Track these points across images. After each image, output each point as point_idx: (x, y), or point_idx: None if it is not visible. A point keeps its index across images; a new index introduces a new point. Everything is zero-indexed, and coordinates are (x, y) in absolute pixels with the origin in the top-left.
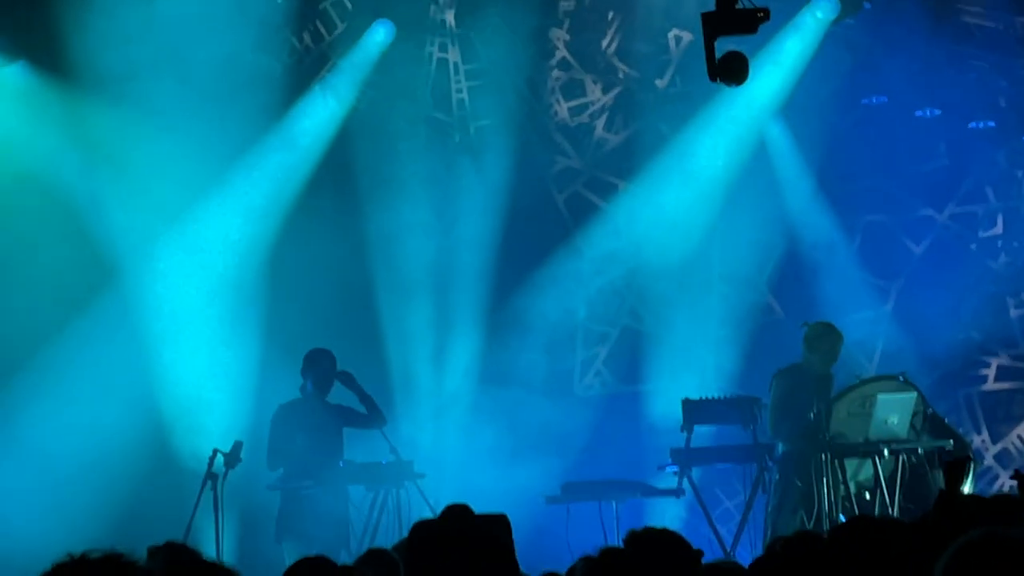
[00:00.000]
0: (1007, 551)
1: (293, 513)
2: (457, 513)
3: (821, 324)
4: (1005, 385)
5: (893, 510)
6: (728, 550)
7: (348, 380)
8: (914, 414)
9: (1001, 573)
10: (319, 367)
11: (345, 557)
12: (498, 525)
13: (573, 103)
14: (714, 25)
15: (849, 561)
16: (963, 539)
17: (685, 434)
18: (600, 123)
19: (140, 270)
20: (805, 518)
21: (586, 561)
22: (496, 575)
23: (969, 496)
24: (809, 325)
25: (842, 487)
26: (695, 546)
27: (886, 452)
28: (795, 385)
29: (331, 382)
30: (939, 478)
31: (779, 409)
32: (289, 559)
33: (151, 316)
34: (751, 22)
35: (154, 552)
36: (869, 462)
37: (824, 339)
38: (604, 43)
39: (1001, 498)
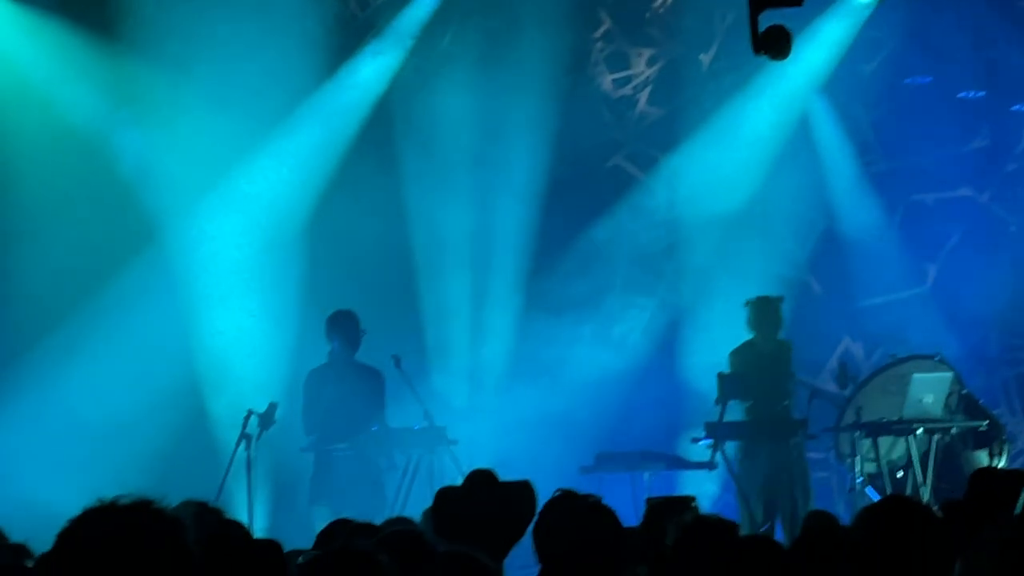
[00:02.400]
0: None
1: (325, 477)
2: (481, 479)
3: (752, 300)
4: None
5: (926, 489)
6: (760, 525)
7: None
8: (949, 394)
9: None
10: (344, 327)
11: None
12: (522, 491)
13: (617, 75)
14: None
15: (881, 542)
16: (985, 536)
17: (719, 407)
18: (643, 96)
19: (181, 230)
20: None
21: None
22: (515, 539)
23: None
24: (747, 304)
25: (875, 465)
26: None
27: (920, 431)
28: (747, 363)
29: (358, 341)
30: (972, 458)
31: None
32: (319, 523)
33: (190, 276)
34: None
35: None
36: (903, 441)
37: (754, 313)
38: (650, 16)
39: None
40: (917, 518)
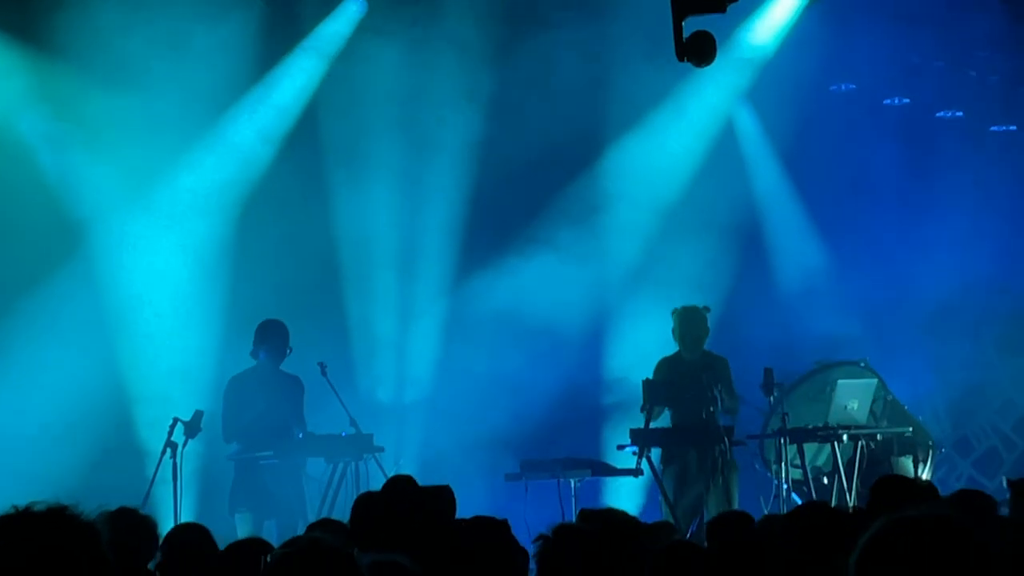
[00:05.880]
0: (911, 532)
1: (246, 485)
2: (400, 484)
3: (678, 309)
4: (967, 375)
5: (851, 495)
6: (685, 531)
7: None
8: (874, 400)
9: (908, 557)
10: (275, 337)
11: (300, 529)
12: (441, 496)
13: (543, 80)
14: (682, 4)
15: (804, 543)
16: (870, 532)
17: (644, 415)
18: (570, 101)
19: (107, 237)
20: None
21: (545, 540)
22: (436, 543)
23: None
24: (672, 313)
25: (800, 471)
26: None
27: (845, 437)
28: (671, 371)
29: (285, 352)
30: (898, 464)
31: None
32: (242, 531)
33: (116, 283)
34: (720, 1)
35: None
36: (828, 447)
37: (677, 325)
38: (575, 25)
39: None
40: (836, 523)
